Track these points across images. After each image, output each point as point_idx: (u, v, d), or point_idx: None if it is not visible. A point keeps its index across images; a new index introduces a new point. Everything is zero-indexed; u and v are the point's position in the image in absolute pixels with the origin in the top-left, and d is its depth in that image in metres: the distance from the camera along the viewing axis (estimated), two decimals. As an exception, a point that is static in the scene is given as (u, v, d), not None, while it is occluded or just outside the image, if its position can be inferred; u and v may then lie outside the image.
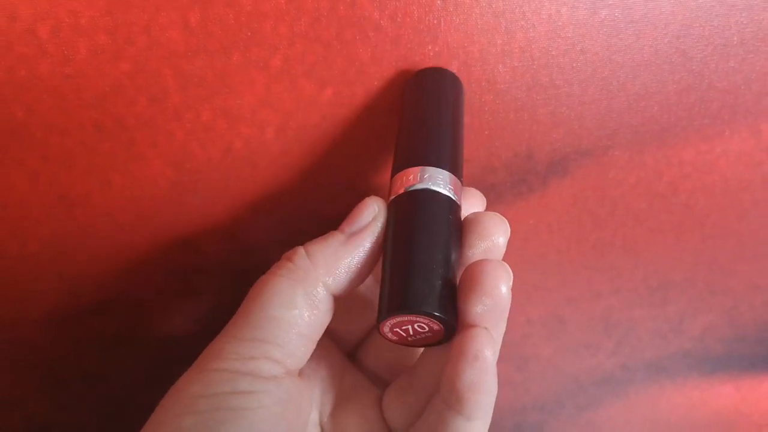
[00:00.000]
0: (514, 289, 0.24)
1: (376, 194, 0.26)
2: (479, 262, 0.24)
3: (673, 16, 0.30)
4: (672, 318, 0.39)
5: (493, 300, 0.24)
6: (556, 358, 0.38)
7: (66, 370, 0.33)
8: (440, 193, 0.25)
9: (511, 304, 0.25)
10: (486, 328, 0.24)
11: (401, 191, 0.25)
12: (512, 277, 0.24)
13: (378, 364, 0.31)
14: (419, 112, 0.27)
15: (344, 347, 0.32)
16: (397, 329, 0.24)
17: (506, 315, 0.25)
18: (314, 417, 0.29)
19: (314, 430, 0.29)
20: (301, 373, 0.27)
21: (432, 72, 0.28)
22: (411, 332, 0.24)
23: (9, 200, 0.28)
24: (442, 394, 0.25)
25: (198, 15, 0.26)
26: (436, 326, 0.23)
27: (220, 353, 0.25)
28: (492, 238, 0.26)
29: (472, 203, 0.28)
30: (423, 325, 0.24)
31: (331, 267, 0.26)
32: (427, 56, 0.28)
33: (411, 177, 0.25)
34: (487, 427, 0.25)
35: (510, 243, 0.26)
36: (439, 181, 0.25)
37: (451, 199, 0.25)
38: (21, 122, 0.26)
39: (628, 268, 0.36)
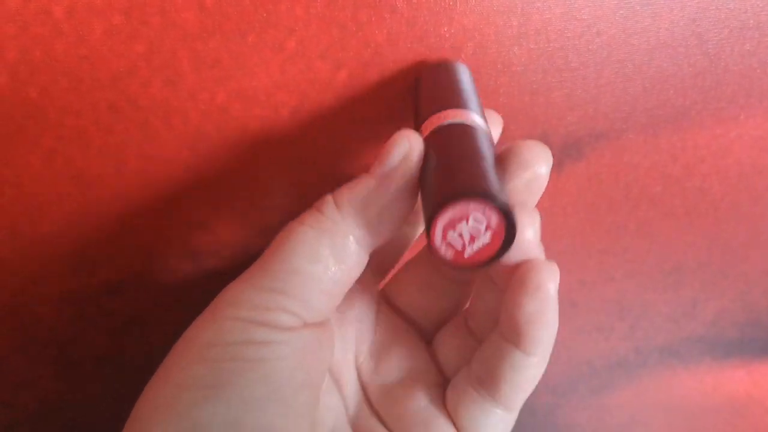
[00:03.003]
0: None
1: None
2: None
3: (689, -2, 0.30)
4: (685, 302, 0.39)
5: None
6: (569, 341, 0.38)
7: (79, 350, 0.33)
8: (479, 126, 0.23)
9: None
10: (550, 261, 0.23)
11: (437, 125, 0.24)
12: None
13: (411, 306, 0.29)
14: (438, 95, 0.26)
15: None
16: (451, 234, 0.21)
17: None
18: (350, 357, 0.28)
19: (350, 371, 0.28)
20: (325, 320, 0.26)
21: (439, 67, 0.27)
22: (466, 238, 0.21)
23: (23, 180, 0.28)
24: (500, 328, 0.24)
25: (213, -5, 0.26)
26: (494, 218, 0.21)
27: (234, 301, 0.24)
28: (533, 169, 0.24)
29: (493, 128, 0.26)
30: (479, 217, 0.21)
31: (360, 217, 0.24)
32: (443, 38, 0.28)
33: (444, 116, 0.24)
34: (544, 367, 0.24)
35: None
36: (475, 118, 0.24)
37: (489, 133, 0.24)
38: (36, 103, 0.26)
39: (641, 252, 0.36)
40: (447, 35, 0.28)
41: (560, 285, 0.36)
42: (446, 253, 0.22)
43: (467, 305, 0.29)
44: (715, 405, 0.43)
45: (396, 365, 0.28)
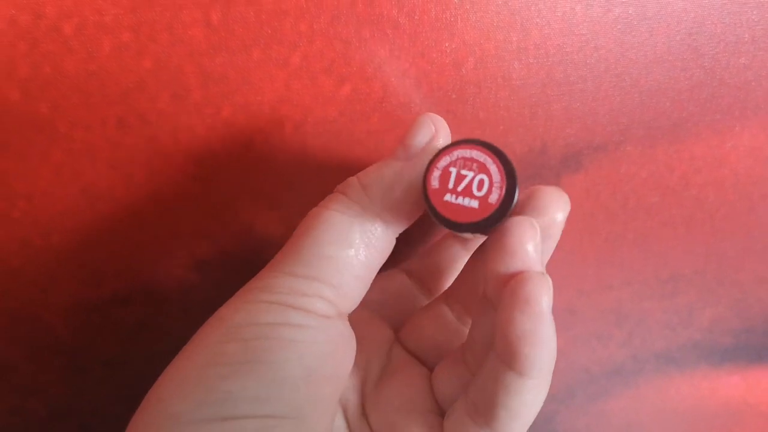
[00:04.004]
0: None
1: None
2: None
3: (685, 13, 0.30)
4: (681, 310, 0.39)
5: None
6: (567, 349, 0.38)
7: (87, 357, 0.33)
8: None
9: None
10: (543, 273, 0.22)
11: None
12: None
13: (422, 346, 0.29)
14: None
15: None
16: (452, 168, 0.22)
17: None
18: (357, 385, 0.28)
19: (356, 398, 0.27)
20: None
21: None
22: (463, 184, 0.22)
23: (34, 192, 0.28)
24: (495, 348, 0.22)
25: (219, 13, 0.26)
26: (497, 174, 0.22)
27: (269, 287, 0.23)
28: (549, 214, 0.24)
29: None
30: (484, 170, 0.22)
31: (388, 199, 0.24)
32: (444, 53, 0.28)
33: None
34: (545, 391, 0.23)
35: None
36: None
37: None
38: (46, 117, 0.27)
39: (639, 261, 0.37)
40: (448, 50, 0.28)
41: (559, 294, 0.37)
42: (434, 180, 0.22)
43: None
44: (712, 410, 0.43)
45: (396, 394, 0.27)
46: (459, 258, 0.31)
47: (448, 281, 0.31)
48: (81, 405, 0.35)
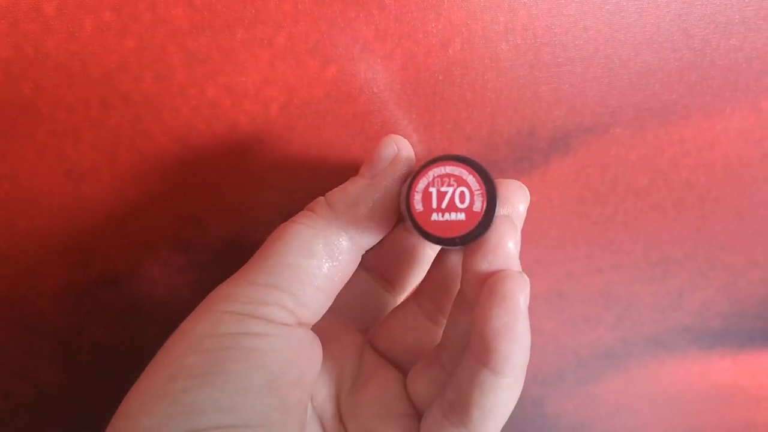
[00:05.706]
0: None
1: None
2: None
3: (675, -7, 0.30)
4: (672, 293, 0.39)
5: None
6: (557, 332, 0.38)
7: (76, 340, 0.33)
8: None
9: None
10: (521, 272, 0.23)
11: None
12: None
13: (394, 348, 0.29)
14: None
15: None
16: (431, 188, 0.23)
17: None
18: (333, 393, 0.28)
19: (332, 406, 0.28)
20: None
21: None
22: (446, 200, 0.23)
23: (18, 174, 0.28)
24: (470, 346, 0.23)
25: (203, -8, 0.26)
26: (475, 183, 0.23)
27: (229, 296, 0.24)
28: (512, 205, 0.25)
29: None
30: (462, 183, 0.23)
31: (353, 215, 0.24)
32: (430, 33, 0.28)
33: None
34: (518, 391, 0.23)
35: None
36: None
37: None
38: (29, 98, 0.27)
39: (628, 244, 0.37)
40: (435, 31, 0.28)
41: (548, 277, 0.37)
42: (418, 207, 0.23)
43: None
44: (702, 394, 0.43)
45: (373, 400, 0.28)
46: (416, 250, 0.31)
47: (409, 274, 0.31)
48: (71, 389, 0.35)
